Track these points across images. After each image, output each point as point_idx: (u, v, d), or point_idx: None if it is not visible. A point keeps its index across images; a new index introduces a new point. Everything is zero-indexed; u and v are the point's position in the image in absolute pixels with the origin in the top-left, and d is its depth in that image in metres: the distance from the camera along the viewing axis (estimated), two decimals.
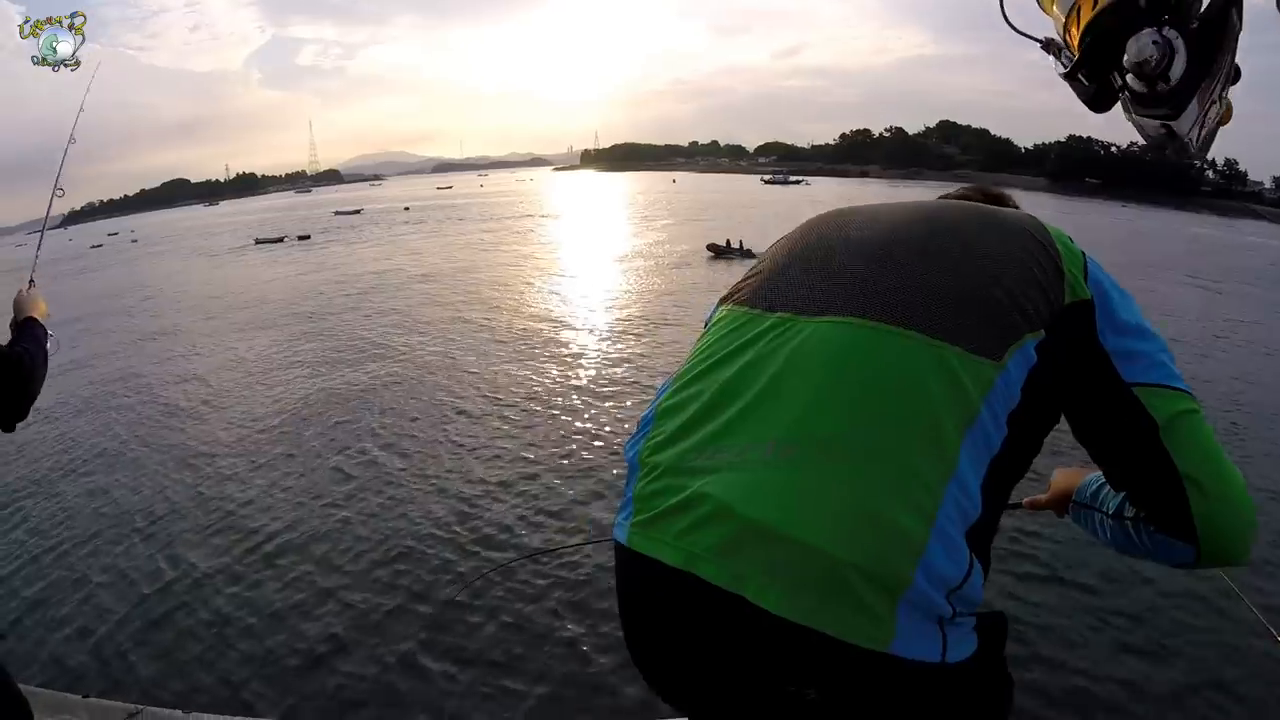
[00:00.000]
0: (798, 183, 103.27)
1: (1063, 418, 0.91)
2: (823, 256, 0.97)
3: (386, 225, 53.20)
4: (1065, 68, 0.83)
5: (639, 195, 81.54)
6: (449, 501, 7.25)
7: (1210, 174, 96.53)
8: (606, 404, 10.21)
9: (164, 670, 4.97)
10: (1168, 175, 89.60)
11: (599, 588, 5.56)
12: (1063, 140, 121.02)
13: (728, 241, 26.95)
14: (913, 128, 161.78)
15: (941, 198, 1.25)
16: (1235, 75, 0.86)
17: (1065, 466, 1.17)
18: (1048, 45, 0.91)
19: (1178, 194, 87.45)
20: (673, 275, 23.01)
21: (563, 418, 9.66)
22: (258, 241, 46.45)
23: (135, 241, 65.98)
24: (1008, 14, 0.94)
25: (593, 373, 11.84)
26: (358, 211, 71.80)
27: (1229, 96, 0.87)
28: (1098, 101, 0.81)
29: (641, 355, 12.89)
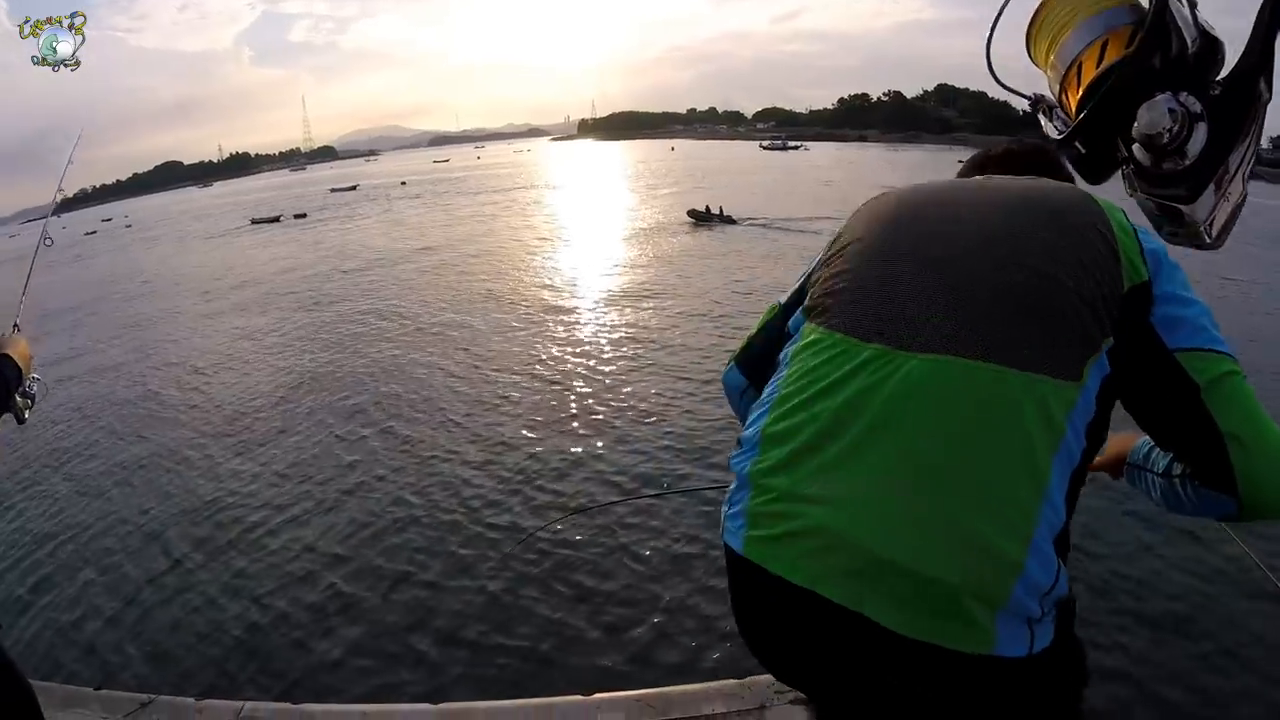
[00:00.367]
0: (796, 148, 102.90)
1: None
2: (907, 278, 1.00)
3: (383, 201, 52.76)
4: (1059, 131, 0.70)
5: (638, 164, 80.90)
6: (466, 471, 7.27)
7: None
8: (606, 368, 10.21)
9: (174, 658, 4.98)
10: None
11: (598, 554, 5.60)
12: None
13: (707, 208, 27.00)
14: (911, 91, 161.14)
15: (986, 156, 1.19)
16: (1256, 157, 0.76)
17: (1116, 432, 1.18)
18: (1037, 104, 0.81)
19: None
20: (665, 242, 22.96)
21: (561, 388, 9.64)
22: (253, 222, 46.28)
23: (129, 227, 65.68)
24: (994, 68, 0.84)
25: (590, 344, 11.79)
26: (353, 188, 71.41)
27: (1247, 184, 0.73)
28: (1095, 172, 0.67)
29: (636, 324, 12.81)
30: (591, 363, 10.84)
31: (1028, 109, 0.79)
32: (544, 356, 11.31)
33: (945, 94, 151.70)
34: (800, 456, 0.94)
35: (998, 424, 0.86)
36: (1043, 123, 0.75)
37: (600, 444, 7.84)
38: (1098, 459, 1.24)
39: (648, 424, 8.27)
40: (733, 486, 1.03)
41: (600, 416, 8.63)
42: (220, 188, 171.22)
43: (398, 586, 5.52)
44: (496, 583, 5.48)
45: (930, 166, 61.43)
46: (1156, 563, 5.40)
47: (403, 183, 73.61)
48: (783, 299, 1.26)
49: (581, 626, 4.97)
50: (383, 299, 16.98)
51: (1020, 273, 0.92)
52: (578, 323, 13.53)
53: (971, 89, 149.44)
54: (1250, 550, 1.74)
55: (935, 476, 0.85)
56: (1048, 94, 0.77)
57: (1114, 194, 0.87)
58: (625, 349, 11.46)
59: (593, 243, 24.61)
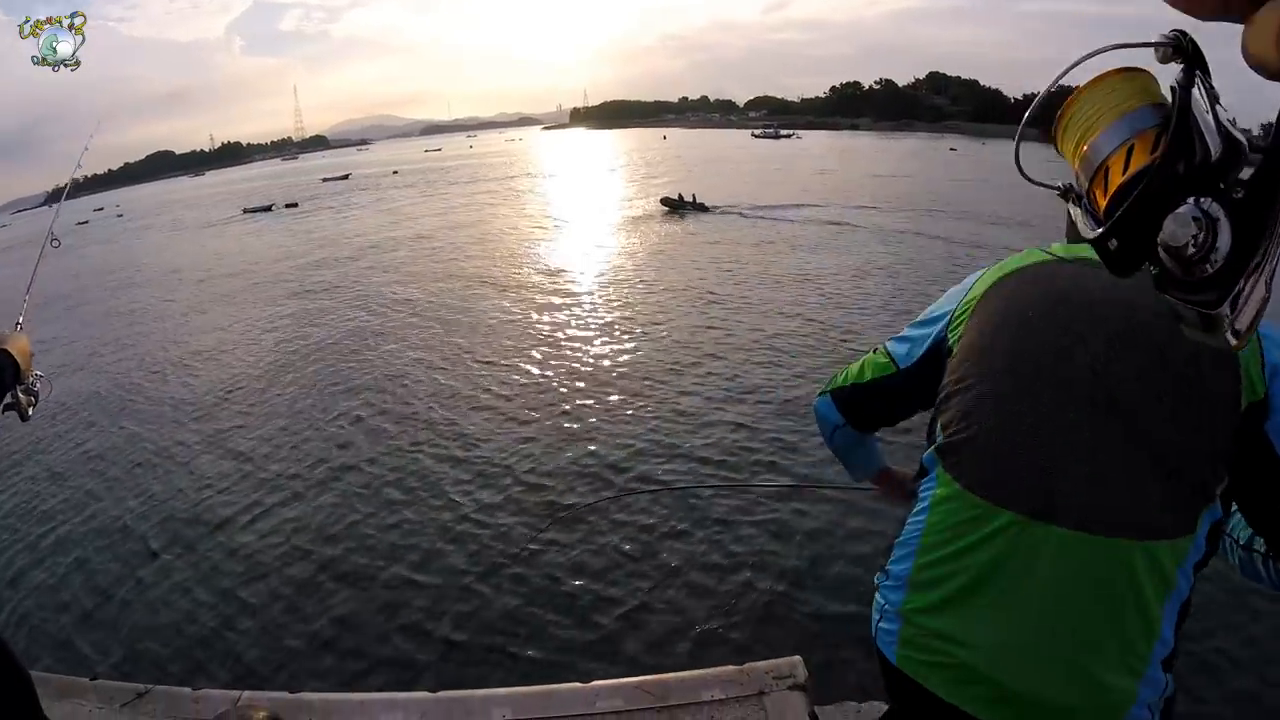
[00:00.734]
0: (788, 136, 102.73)
1: None
2: (1037, 437, 1.09)
3: (374, 190, 52.49)
4: (1091, 227, 0.70)
5: (630, 153, 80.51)
6: (456, 465, 7.26)
7: None
8: (590, 347, 10.20)
9: (171, 648, 4.97)
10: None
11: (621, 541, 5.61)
12: (1052, 90, 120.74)
13: (680, 195, 27.29)
14: (903, 80, 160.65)
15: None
16: None
17: None
18: (1066, 193, 0.81)
19: None
20: (639, 230, 22.87)
21: (548, 379, 9.61)
22: (245, 211, 46.05)
23: (121, 216, 65.17)
24: (1022, 165, 0.84)
25: (561, 332, 11.77)
26: (345, 177, 70.89)
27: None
28: (1125, 269, 0.67)
29: (620, 317, 12.78)
30: (569, 350, 10.85)
31: (1058, 197, 0.80)
32: (525, 347, 11.29)
33: (937, 82, 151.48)
34: (949, 604, 1.11)
35: (1118, 589, 1.00)
36: (1072, 212, 0.75)
37: (591, 438, 7.83)
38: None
39: (632, 417, 8.27)
40: (884, 604, 1.21)
41: (589, 409, 8.62)
42: (212, 177, 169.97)
43: (394, 579, 5.52)
44: (491, 575, 5.48)
45: (923, 154, 61.45)
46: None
47: (395, 172, 73.19)
48: (895, 351, 1.38)
49: (577, 618, 4.98)
50: (372, 287, 17.00)
51: (1144, 445, 1.02)
52: (550, 308, 13.61)
53: (963, 77, 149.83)
54: None
55: (1064, 632, 1.02)
56: (1075, 185, 0.78)
57: None
58: (586, 336, 11.49)
59: (572, 231, 24.89)
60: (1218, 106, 0.65)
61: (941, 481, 1.17)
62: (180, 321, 15.94)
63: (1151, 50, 0.66)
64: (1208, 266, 0.55)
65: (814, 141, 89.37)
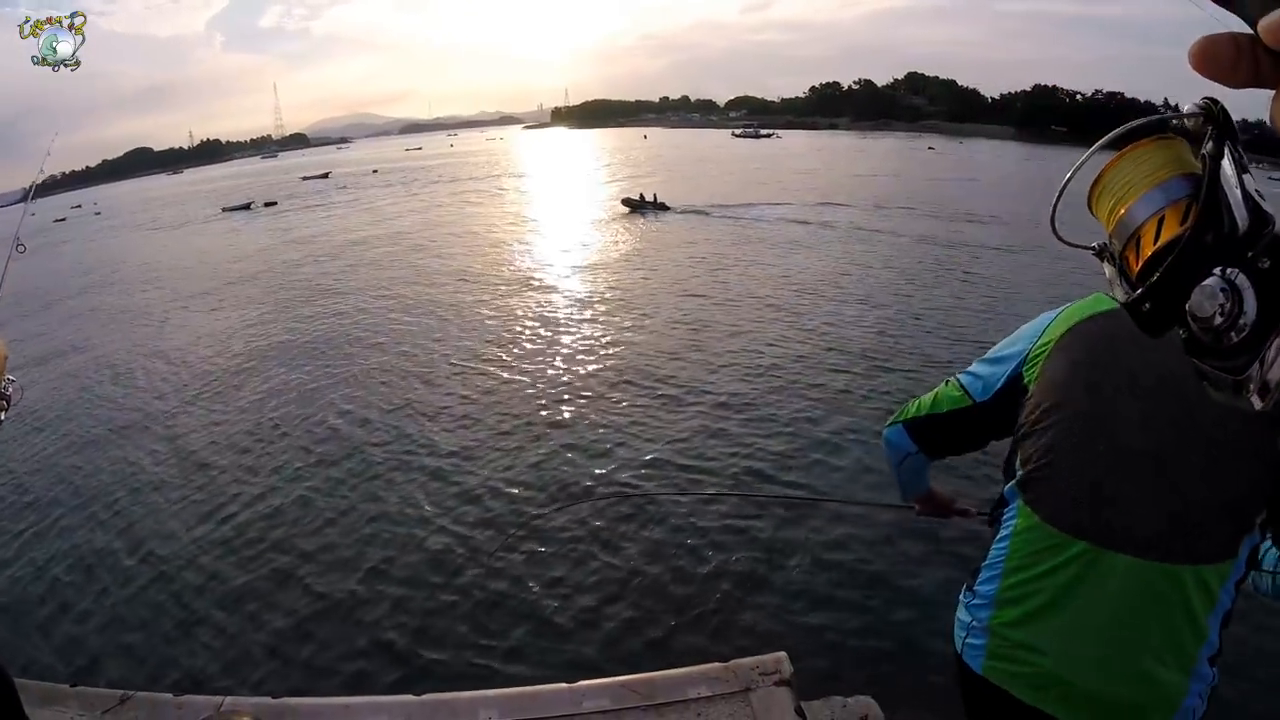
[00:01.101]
0: (768, 136, 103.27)
1: None
2: (1116, 479, 1.29)
3: (354, 189, 52.04)
4: (1125, 290, 0.72)
5: (610, 152, 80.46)
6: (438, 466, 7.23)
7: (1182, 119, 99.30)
8: (563, 337, 10.18)
9: (152, 654, 4.92)
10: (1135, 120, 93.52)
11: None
12: (1029, 90, 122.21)
13: (641, 195, 27.76)
14: (881, 80, 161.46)
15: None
16: None
17: None
18: (1101, 253, 0.81)
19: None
20: (593, 230, 22.91)
21: (527, 378, 9.61)
22: (224, 210, 45.59)
23: (99, 214, 64.23)
24: (1058, 227, 0.85)
25: (528, 329, 11.77)
26: (325, 176, 70.25)
27: None
28: (1157, 330, 0.69)
29: (539, 306, 12.79)
30: (540, 350, 10.85)
31: (1094, 256, 0.81)
32: (499, 349, 11.29)
33: (915, 82, 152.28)
34: (1031, 619, 1.33)
35: (1172, 605, 1.21)
36: (1107, 271, 0.77)
37: (570, 440, 7.84)
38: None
39: (614, 420, 8.28)
40: (970, 620, 1.43)
41: (568, 411, 8.64)
42: (191, 175, 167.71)
43: (376, 581, 5.49)
44: (475, 576, 5.47)
45: (900, 154, 61.78)
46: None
47: (374, 170, 72.63)
48: (969, 385, 1.56)
49: (562, 618, 4.97)
50: (351, 287, 16.92)
51: (1197, 486, 1.22)
52: (514, 308, 13.63)
53: (941, 77, 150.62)
54: None
55: (1128, 641, 1.24)
56: (1109, 244, 0.79)
57: None
58: (542, 331, 11.48)
59: (543, 231, 25.30)
60: (1245, 176, 0.65)
61: (1022, 514, 1.39)
62: (154, 322, 15.74)
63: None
64: (1233, 335, 0.56)
65: (794, 141, 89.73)
